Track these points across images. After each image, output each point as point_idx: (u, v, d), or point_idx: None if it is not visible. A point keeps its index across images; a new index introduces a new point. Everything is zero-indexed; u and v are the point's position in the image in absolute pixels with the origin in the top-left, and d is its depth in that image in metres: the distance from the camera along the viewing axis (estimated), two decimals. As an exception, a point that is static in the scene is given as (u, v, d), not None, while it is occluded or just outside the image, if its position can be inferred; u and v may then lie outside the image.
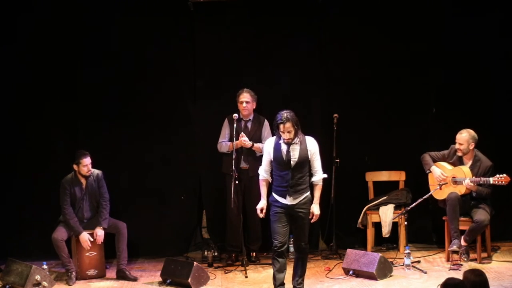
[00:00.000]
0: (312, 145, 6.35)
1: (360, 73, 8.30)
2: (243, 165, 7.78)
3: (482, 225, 7.31)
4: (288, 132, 6.20)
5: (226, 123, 7.90)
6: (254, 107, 7.86)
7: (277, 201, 6.33)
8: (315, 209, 6.35)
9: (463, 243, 7.38)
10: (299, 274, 6.47)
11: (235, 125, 7.65)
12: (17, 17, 8.06)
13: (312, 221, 6.40)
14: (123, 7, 8.11)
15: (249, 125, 7.85)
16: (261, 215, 6.49)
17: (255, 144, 7.72)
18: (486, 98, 8.24)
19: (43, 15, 8.06)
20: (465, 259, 7.41)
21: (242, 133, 7.73)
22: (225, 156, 7.88)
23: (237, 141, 7.67)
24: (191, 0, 8.06)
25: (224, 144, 7.85)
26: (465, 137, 7.44)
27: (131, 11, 8.11)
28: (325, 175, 6.48)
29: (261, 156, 7.68)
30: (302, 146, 6.29)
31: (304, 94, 8.32)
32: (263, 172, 6.47)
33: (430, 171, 7.62)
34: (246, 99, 7.76)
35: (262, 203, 6.44)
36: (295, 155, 6.26)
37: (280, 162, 6.30)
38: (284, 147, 6.28)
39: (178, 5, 8.12)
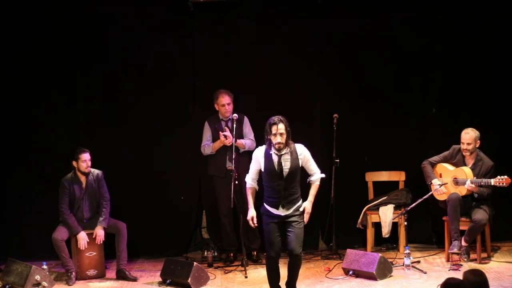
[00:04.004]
0: (302, 151, 6.24)
1: (360, 73, 8.30)
2: (229, 165, 7.73)
3: (480, 224, 7.30)
4: (280, 134, 6.10)
5: (207, 126, 7.88)
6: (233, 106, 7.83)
7: (269, 211, 6.23)
8: (307, 206, 6.23)
9: (463, 243, 7.38)
10: (291, 284, 6.36)
11: (235, 125, 7.61)
12: (17, 16, 8.05)
13: (305, 218, 6.24)
14: (123, 7, 8.10)
15: (229, 124, 7.78)
16: (252, 225, 6.35)
17: (238, 140, 7.66)
18: (487, 98, 8.22)
19: (43, 14, 8.06)
20: (465, 259, 7.41)
21: (226, 128, 7.70)
22: (210, 158, 7.88)
23: (219, 140, 7.66)
24: (191, 0, 8.05)
25: (207, 146, 7.83)
26: (472, 136, 7.42)
27: (131, 11, 8.11)
28: (323, 175, 6.42)
29: (245, 151, 7.62)
30: (293, 156, 6.19)
31: (304, 94, 8.32)
32: (250, 180, 6.34)
33: (432, 183, 7.60)
34: (227, 101, 7.73)
35: (252, 213, 6.31)
36: (287, 165, 6.15)
37: (272, 173, 6.18)
38: (275, 158, 6.17)
39: (178, 5, 8.12)
